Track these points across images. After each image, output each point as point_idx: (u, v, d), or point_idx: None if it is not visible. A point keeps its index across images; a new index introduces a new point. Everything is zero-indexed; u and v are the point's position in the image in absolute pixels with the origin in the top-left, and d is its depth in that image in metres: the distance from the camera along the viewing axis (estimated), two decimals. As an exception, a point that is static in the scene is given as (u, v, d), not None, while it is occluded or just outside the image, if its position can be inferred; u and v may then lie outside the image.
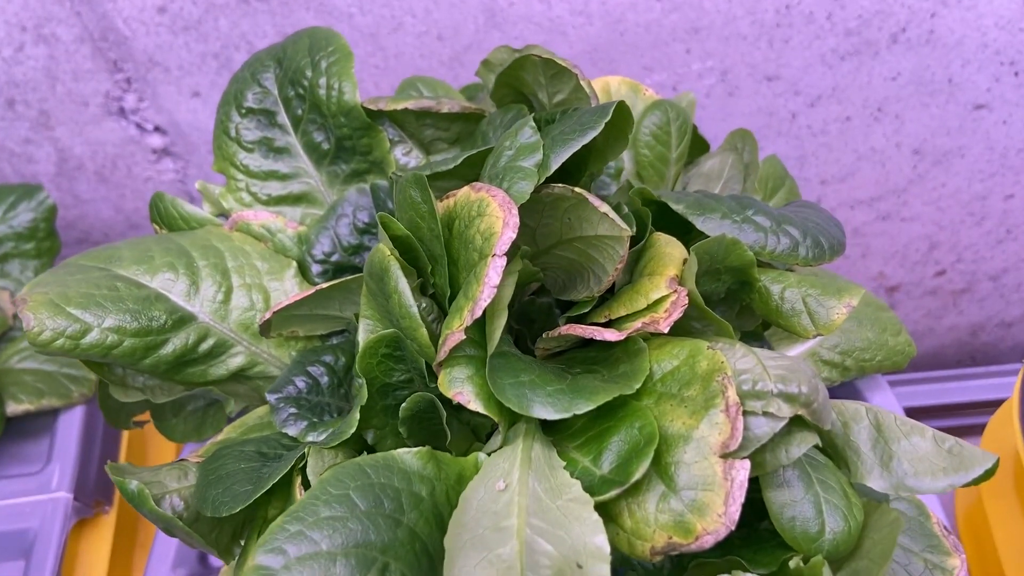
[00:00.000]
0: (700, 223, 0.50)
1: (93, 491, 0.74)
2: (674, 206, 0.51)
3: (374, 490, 0.37)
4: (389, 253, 0.45)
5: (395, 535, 0.36)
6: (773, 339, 0.58)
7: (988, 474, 0.41)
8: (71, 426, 0.74)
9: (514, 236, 0.40)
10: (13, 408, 0.72)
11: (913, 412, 1.30)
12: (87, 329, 0.50)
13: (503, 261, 0.40)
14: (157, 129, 1.01)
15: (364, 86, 0.97)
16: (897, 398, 1.29)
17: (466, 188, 0.45)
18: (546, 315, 0.56)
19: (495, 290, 0.39)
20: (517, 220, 0.40)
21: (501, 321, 0.41)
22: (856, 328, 0.61)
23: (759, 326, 0.57)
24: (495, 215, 0.41)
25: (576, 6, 0.89)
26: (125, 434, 0.82)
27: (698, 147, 0.68)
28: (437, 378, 0.44)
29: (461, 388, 0.41)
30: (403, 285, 0.44)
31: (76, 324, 0.50)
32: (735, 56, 0.95)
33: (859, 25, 0.92)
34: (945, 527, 0.59)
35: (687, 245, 0.55)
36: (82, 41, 0.91)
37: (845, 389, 0.67)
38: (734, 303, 0.53)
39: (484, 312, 0.41)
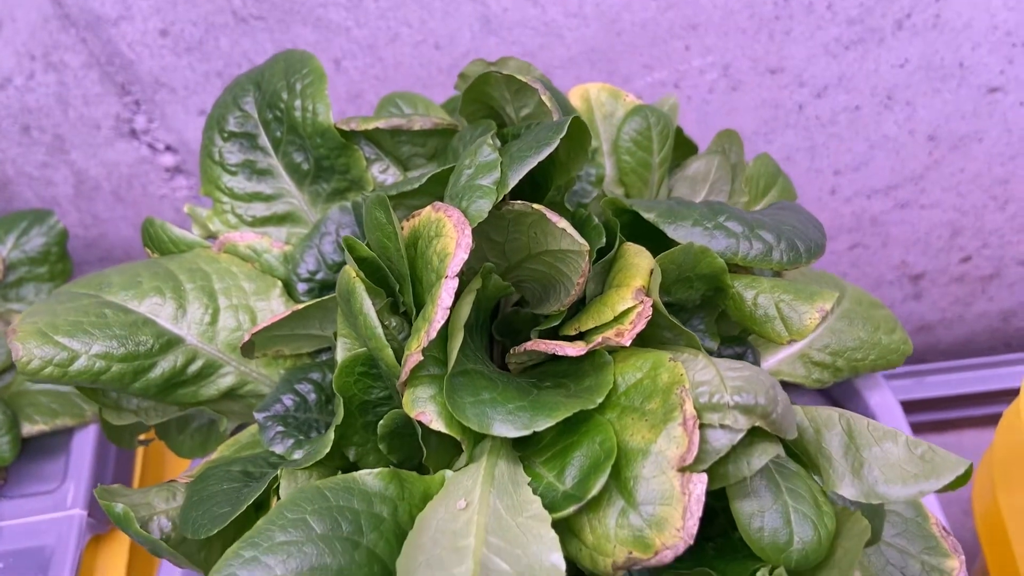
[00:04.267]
0: (671, 231, 0.50)
1: (107, 507, 0.76)
2: (645, 215, 0.51)
3: (331, 513, 0.38)
4: (355, 275, 0.45)
5: (352, 557, 0.37)
6: (759, 343, 0.57)
7: (960, 480, 0.40)
8: (85, 445, 0.76)
9: (466, 257, 0.40)
10: (28, 429, 0.74)
11: (946, 401, 1.27)
12: (75, 356, 0.52)
13: (455, 283, 0.40)
14: (168, 148, 1.03)
15: (366, 98, 0.98)
16: (928, 388, 1.27)
17: (428, 208, 0.45)
18: (529, 326, 0.56)
19: (448, 312, 0.40)
20: (470, 241, 0.41)
21: (458, 340, 0.41)
22: (847, 328, 0.60)
23: (743, 331, 0.57)
24: (449, 236, 0.41)
25: (570, 8, 0.89)
26: (139, 451, 0.84)
27: (684, 149, 0.67)
28: (405, 397, 0.45)
29: (424, 408, 0.42)
30: (367, 307, 0.44)
31: (64, 352, 0.51)
32: (736, 50, 0.94)
33: (861, 13, 0.90)
34: (944, 528, 0.57)
35: (665, 253, 0.54)
36: (90, 67, 0.93)
37: (842, 388, 0.66)
38: (711, 310, 0.52)
39: (446, 331, 0.42)
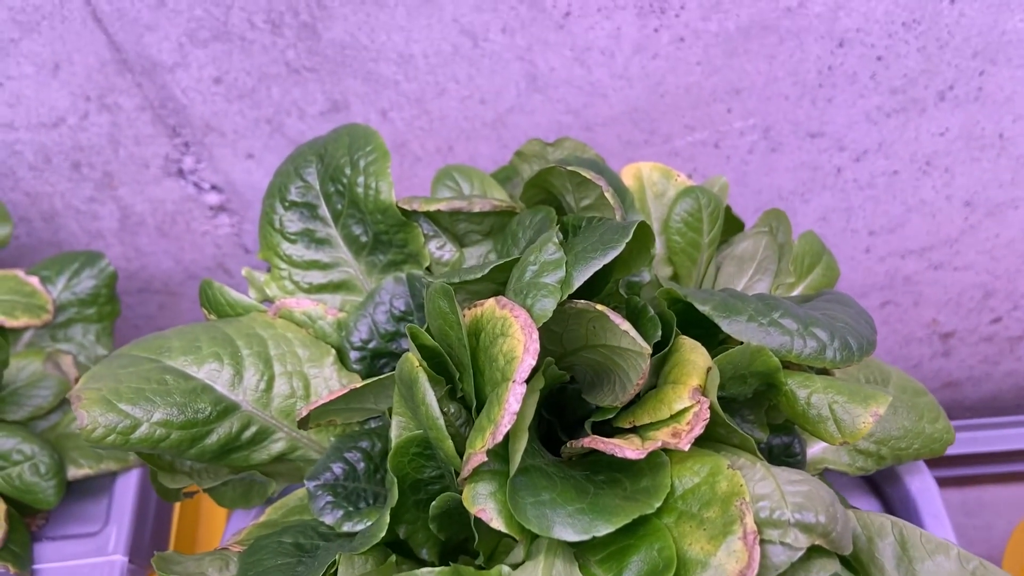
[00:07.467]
0: (726, 325, 0.51)
1: (148, 553, 0.77)
2: (700, 307, 0.51)
3: (397, 613, 0.39)
4: (417, 364, 0.46)
5: (416, 659, 0.38)
6: (804, 432, 0.58)
7: (1013, 600, 0.41)
8: (127, 489, 0.78)
9: (534, 363, 0.41)
10: (74, 472, 0.75)
11: (970, 457, 1.27)
12: (136, 424, 0.53)
13: (523, 389, 0.41)
14: (214, 188, 1.05)
15: (410, 147, 0.99)
16: (956, 444, 1.26)
17: (492, 302, 0.46)
18: (576, 403, 0.57)
19: (515, 416, 0.41)
20: (538, 346, 0.42)
21: (522, 443, 0.42)
22: (892, 416, 0.61)
23: (788, 419, 0.57)
24: (517, 338, 0.42)
25: (616, 70, 0.90)
26: (178, 494, 0.86)
27: (732, 227, 0.68)
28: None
29: (484, 505, 0.43)
30: (430, 398, 0.45)
31: (126, 420, 0.53)
32: (777, 114, 0.95)
33: (904, 84, 0.91)
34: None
35: (716, 340, 0.55)
36: (143, 109, 0.95)
37: (883, 473, 0.66)
38: (762, 403, 0.53)
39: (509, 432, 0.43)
